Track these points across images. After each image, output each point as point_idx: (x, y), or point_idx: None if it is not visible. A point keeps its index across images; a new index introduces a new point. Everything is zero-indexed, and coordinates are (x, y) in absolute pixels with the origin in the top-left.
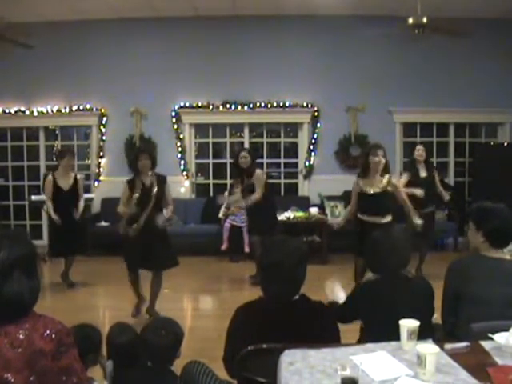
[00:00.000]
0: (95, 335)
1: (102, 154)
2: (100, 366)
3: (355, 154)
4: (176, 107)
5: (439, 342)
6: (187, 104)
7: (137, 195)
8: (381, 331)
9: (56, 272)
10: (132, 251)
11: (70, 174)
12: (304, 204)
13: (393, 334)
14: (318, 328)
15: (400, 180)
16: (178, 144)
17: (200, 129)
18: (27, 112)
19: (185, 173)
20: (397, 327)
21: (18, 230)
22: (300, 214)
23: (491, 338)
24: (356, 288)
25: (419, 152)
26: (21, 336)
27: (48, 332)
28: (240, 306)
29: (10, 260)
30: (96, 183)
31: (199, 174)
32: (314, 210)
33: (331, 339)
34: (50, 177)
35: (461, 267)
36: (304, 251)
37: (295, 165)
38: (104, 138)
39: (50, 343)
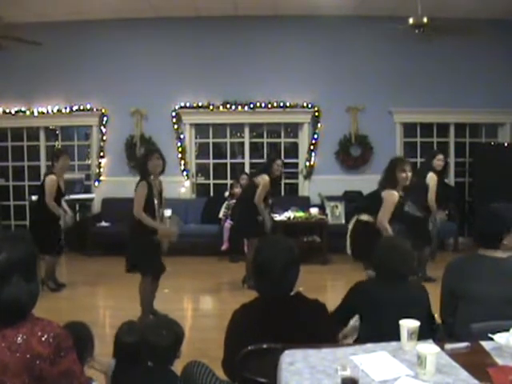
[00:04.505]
0: (86, 333)
1: (102, 154)
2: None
3: (355, 154)
4: (176, 107)
5: (439, 342)
6: (187, 104)
7: (156, 202)
8: (375, 330)
9: (58, 271)
10: (158, 259)
11: (64, 175)
12: (304, 204)
13: (387, 334)
14: (315, 324)
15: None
16: (179, 144)
17: (200, 129)
18: (28, 112)
19: (185, 173)
20: (390, 327)
21: (21, 231)
22: (300, 214)
23: (491, 338)
24: (353, 286)
25: (439, 162)
26: (19, 340)
27: (46, 336)
28: (236, 308)
29: (10, 263)
30: (96, 183)
31: (199, 175)
32: (314, 211)
33: (328, 336)
34: (54, 177)
35: (456, 267)
36: (295, 252)
37: (295, 165)
38: (104, 138)
39: (48, 347)
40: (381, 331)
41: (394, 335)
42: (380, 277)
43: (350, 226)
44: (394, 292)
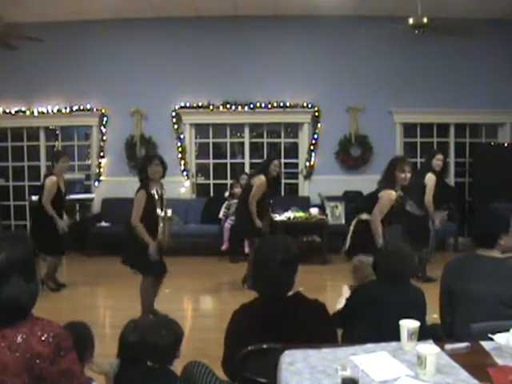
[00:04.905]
0: (87, 333)
1: (102, 154)
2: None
3: (355, 154)
4: (176, 107)
5: (439, 342)
6: (187, 104)
7: (159, 211)
8: (375, 331)
9: (58, 271)
10: (159, 260)
11: (64, 175)
12: (304, 204)
13: (387, 335)
14: (314, 324)
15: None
16: (179, 144)
17: (200, 129)
18: (28, 112)
19: (185, 173)
20: (390, 329)
21: (19, 231)
22: (300, 214)
23: (491, 338)
24: (355, 289)
25: (438, 162)
26: (18, 339)
27: (46, 336)
28: (236, 308)
29: (10, 262)
30: (96, 183)
31: (199, 175)
32: (314, 211)
33: (328, 336)
34: (54, 178)
35: (455, 266)
36: (293, 251)
37: (295, 165)
38: (104, 138)
39: (48, 347)
40: (381, 332)
41: (394, 336)
42: (381, 279)
43: (352, 228)
44: (395, 294)
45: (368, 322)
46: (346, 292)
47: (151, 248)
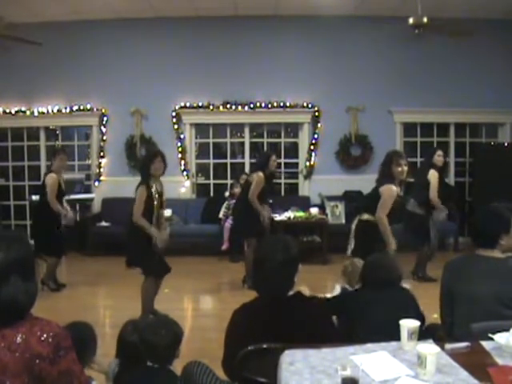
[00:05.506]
0: (89, 333)
1: (102, 154)
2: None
3: (355, 154)
4: (176, 107)
5: (439, 342)
6: (187, 104)
7: (155, 203)
8: (366, 333)
9: (58, 271)
10: (158, 259)
11: (63, 173)
12: (304, 204)
13: (376, 334)
14: (315, 324)
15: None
16: (179, 144)
17: (200, 129)
18: (28, 112)
19: (185, 173)
20: (379, 330)
21: (17, 231)
22: (300, 214)
23: (491, 338)
24: (343, 294)
25: (440, 158)
26: (18, 339)
27: (45, 336)
28: (236, 308)
29: (7, 263)
30: (96, 183)
31: (199, 174)
32: (314, 210)
33: (328, 335)
34: (54, 175)
35: (454, 266)
36: (292, 251)
37: (296, 165)
38: (104, 138)
39: (48, 347)
40: (370, 334)
41: (383, 336)
42: (367, 287)
43: (353, 227)
44: (380, 296)
45: (358, 325)
46: (337, 291)
47: (157, 239)
